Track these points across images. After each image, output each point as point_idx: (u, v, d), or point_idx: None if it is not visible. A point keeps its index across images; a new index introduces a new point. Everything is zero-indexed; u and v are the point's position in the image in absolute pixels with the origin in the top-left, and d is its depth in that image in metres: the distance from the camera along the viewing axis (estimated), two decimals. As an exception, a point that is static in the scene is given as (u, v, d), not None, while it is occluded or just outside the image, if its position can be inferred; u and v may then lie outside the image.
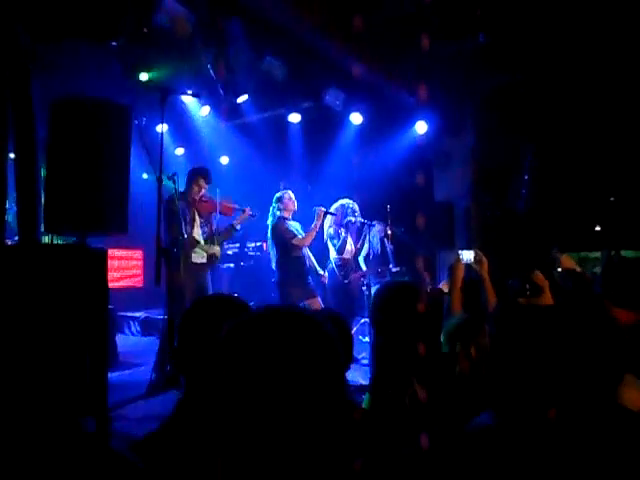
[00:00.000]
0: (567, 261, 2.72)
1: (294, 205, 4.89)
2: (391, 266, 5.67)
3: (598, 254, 4.72)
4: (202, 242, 4.50)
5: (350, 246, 5.26)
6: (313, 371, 0.71)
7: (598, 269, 3.44)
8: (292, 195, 4.90)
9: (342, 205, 5.22)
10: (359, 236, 5.37)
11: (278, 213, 4.83)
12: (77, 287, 2.21)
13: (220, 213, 4.67)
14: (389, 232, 5.59)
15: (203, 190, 4.55)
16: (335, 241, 5.19)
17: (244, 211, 4.76)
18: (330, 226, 5.20)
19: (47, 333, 2.10)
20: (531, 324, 1.21)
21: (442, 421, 1.45)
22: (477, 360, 1.84)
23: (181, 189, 4.39)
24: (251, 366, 0.71)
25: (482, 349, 1.82)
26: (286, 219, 4.84)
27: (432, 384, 1.57)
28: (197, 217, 4.54)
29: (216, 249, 4.57)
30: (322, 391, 0.71)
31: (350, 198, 5.33)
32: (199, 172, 4.58)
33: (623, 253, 4.45)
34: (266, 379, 0.70)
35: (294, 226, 4.91)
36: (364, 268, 5.62)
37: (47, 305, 2.11)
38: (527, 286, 2.19)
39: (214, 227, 4.68)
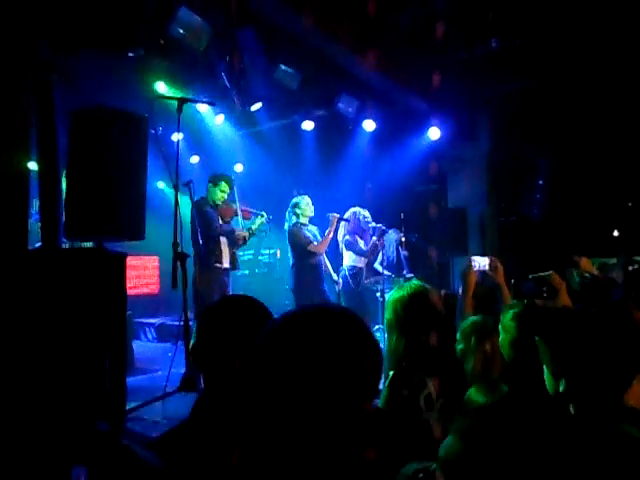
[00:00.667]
0: (587, 265, 2.69)
1: (311, 211, 4.94)
2: (405, 272, 5.66)
3: (615, 260, 4.66)
4: (227, 243, 4.61)
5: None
6: (360, 372, 0.72)
7: (616, 274, 3.37)
8: (309, 201, 4.94)
9: (354, 213, 5.27)
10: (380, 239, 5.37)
11: (294, 218, 4.88)
12: (97, 291, 2.27)
13: (241, 217, 4.78)
14: (403, 239, 5.60)
15: (226, 195, 4.67)
16: (357, 248, 5.21)
17: (262, 215, 4.82)
18: (345, 235, 5.23)
19: (68, 336, 2.15)
20: (549, 325, 1.22)
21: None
22: (490, 357, 1.86)
23: (197, 196, 4.48)
24: (296, 366, 0.70)
25: (496, 347, 1.84)
26: (303, 224, 4.89)
27: (447, 384, 1.58)
28: (220, 221, 4.65)
29: (245, 233, 4.69)
30: (364, 393, 0.72)
31: (361, 205, 5.37)
32: (222, 177, 4.69)
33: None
34: (312, 378, 0.70)
35: (312, 231, 4.97)
36: (383, 271, 5.63)
37: (68, 308, 2.17)
38: (544, 288, 2.20)
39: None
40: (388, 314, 1.87)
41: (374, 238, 5.23)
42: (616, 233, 5.79)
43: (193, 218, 4.26)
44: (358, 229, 5.25)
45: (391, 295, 1.94)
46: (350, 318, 0.77)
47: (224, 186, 4.64)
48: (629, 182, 5.53)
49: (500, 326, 1.80)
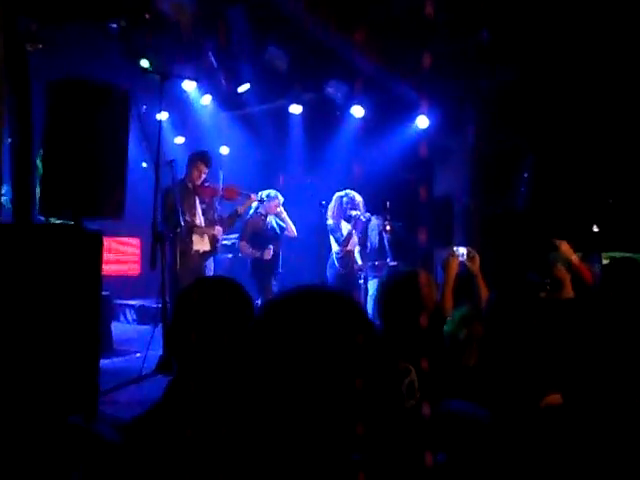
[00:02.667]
0: (567, 249, 2.66)
1: (273, 211, 4.97)
2: (389, 260, 5.56)
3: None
4: (202, 225, 4.49)
5: (356, 238, 5.26)
6: (357, 361, 0.70)
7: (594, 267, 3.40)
8: (279, 202, 4.95)
9: (338, 198, 5.20)
10: (364, 229, 5.34)
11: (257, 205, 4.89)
12: (71, 269, 2.20)
13: (223, 198, 4.62)
14: (388, 227, 5.49)
15: (203, 175, 4.49)
16: (338, 234, 5.15)
17: (249, 197, 4.69)
18: (327, 219, 5.14)
19: (39, 314, 2.08)
20: (553, 317, 1.21)
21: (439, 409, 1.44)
22: (467, 345, 1.86)
23: (180, 176, 4.37)
24: (291, 351, 0.68)
25: (474, 337, 1.83)
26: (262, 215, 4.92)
27: (431, 373, 1.58)
28: (197, 203, 4.49)
29: (216, 229, 4.54)
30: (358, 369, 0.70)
31: (352, 190, 5.29)
32: (199, 156, 4.51)
33: (618, 255, 4.42)
34: (306, 366, 0.68)
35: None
36: (359, 261, 5.61)
37: (41, 285, 2.10)
38: (547, 280, 2.19)
39: (216, 213, 4.64)
40: (376, 299, 1.86)
41: (349, 227, 5.16)
42: (596, 229, 5.84)
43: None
44: (342, 213, 5.17)
45: (381, 279, 1.93)
46: (341, 297, 0.75)
47: (201, 165, 4.44)
48: (611, 179, 5.57)
49: None
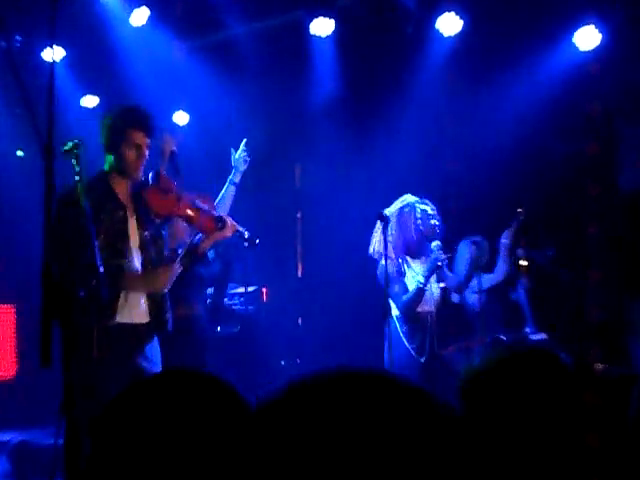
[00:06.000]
0: None
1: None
2: (528, 329, 5.92)
3: None
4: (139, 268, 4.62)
5: (436, 290, 5.48)
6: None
7: None
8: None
9: (408, 208, 5.47)
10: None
11: None
12: None
13: (187, 223, 4.74)
14: (524, 262, 5.77)
15: (145, 152, 4.61)
16: (408, 281, 5.37)
17: (223, 224, 4.76)
18: (380, 254, 5.33)
19: None
20: None
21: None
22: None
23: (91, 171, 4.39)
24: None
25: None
26: None
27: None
28: (133, 222, 4.57)
29: (171, 268, 4.65)
30: None
31: (415, 194, 5.55)
32: (128, 118, 4.65)
33: None
34: None
35: None
36: None
37: None
38: None
39: (165, 243, 4.76)
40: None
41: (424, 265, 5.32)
42: None
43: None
44: (412, 240, 5.43)
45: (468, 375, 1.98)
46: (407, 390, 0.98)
47: (136, 133, 4.57)
48: None
49: None
